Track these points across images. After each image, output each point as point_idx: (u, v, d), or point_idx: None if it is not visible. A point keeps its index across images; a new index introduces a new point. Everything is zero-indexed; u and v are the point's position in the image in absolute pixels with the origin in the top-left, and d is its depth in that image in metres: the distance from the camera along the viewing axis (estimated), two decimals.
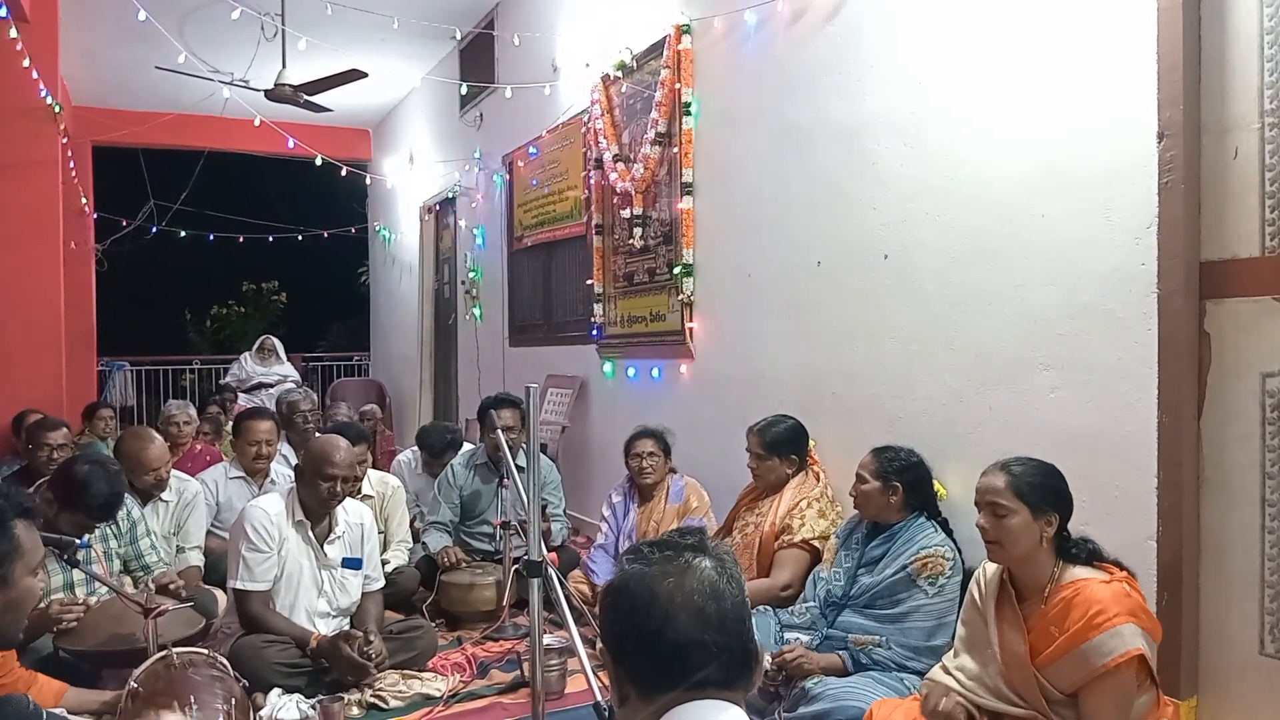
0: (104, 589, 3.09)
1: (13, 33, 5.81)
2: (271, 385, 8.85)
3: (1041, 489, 2.34)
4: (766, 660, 2.99)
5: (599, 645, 1.36)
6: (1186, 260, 2.59)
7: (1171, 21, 2.59)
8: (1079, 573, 2.29)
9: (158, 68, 6.91)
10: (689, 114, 4.86)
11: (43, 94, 6.40)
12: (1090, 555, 2.33)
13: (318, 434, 4.92)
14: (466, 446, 5.58)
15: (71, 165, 8.20)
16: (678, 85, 4.88)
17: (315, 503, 3.47)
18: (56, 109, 6.66)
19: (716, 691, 1.25)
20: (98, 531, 3.37)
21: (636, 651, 1.29)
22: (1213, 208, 2.60)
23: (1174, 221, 2.60)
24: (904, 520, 3.08)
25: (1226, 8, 2.56)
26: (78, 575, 3.18)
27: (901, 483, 3.07)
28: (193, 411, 6.01)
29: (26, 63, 6.09)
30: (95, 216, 9.99)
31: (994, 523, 2.35)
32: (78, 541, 3.04)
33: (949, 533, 3.03)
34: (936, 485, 3.21)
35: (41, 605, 3.01)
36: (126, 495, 3.60)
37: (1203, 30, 2.59)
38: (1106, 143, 2.78)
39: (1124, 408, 2.74)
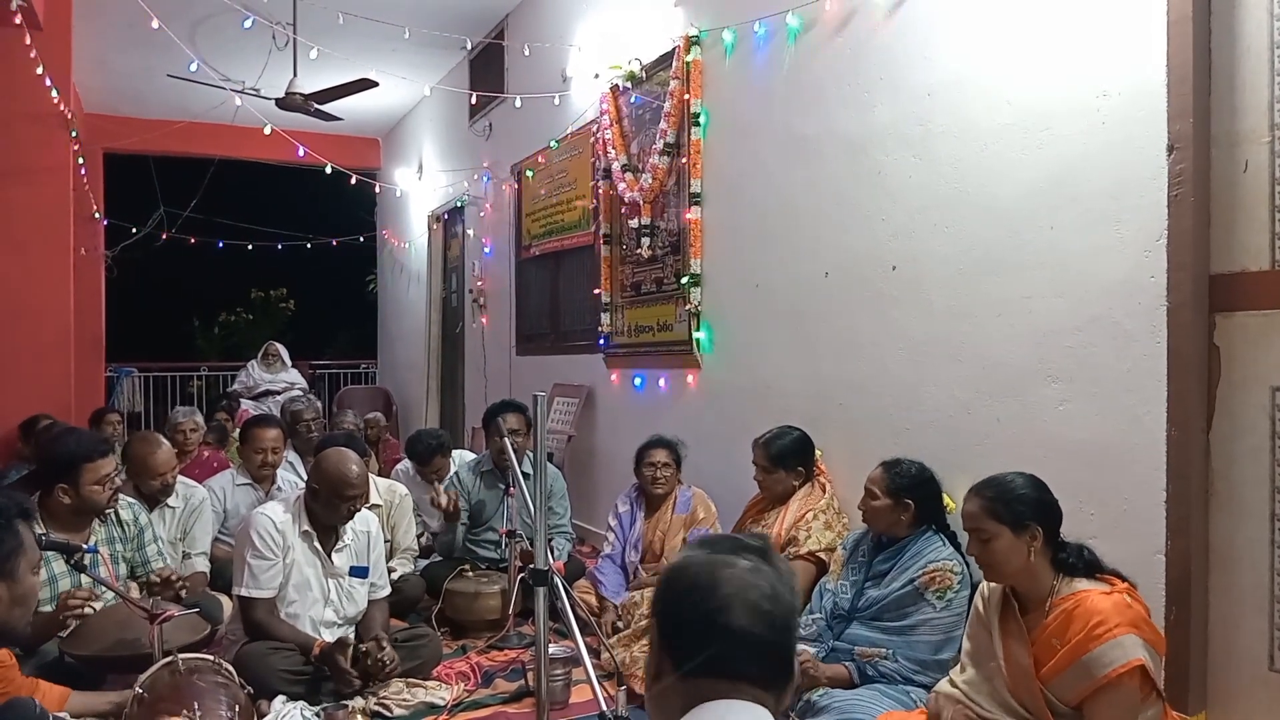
0: (110, 594, 3.09)
1: (26, 40, 5.85)
2: (279, 392, 8.87)
3: (1016, 504, 2.34)
4: None
5: (651, 624, 1.38)
6: (1196, 273, 2.59)
7: (1181, 34, 2.59)
8: (1079, 584, 2.29)
9: (169, 75, 6.95)
10: (697, 125, 4.87)
11: (55, 101, 6.44)
12: (1089, 566, 2.33)
13: (320, 443, 4.92)
14: (468, 454, 5.58)
15: (83, 172, 8.24)
16: (686, 96, 4.89)
17: (332, 520, 3.49)
18: (69, 116, 6.70)
19: (752, 689, 1.26)
20: (104, 533, 3.38)
21: (687, 631, 1.30)
22: (1222, 221, 2.59)
23: (1183, 234, 2.60)
24: (912, 534, 3.07)
25: (1237, 21, 2.56)
26: (85, 580, 3.18)
27: (913, 499, 3.06)
28: (199, 418, 6.03)
29: (40, 70, 6.13)
30: (105, 223, 10.04)
31: (980, 548, 2.38)
32: (85, 547, 3.05)
33: (957, 546, 3.01)
34: (945, 498, 3.19)
35: (48, 608, 3.02)
36: (134, 501, 3.62)
37: (1213, 43, 2.59)
38: (1115, 155, 2.77)
39: (1132, 421, 2.73)
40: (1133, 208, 2.72)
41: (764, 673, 1.27)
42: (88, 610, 2.90)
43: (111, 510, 3.42)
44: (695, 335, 4.90)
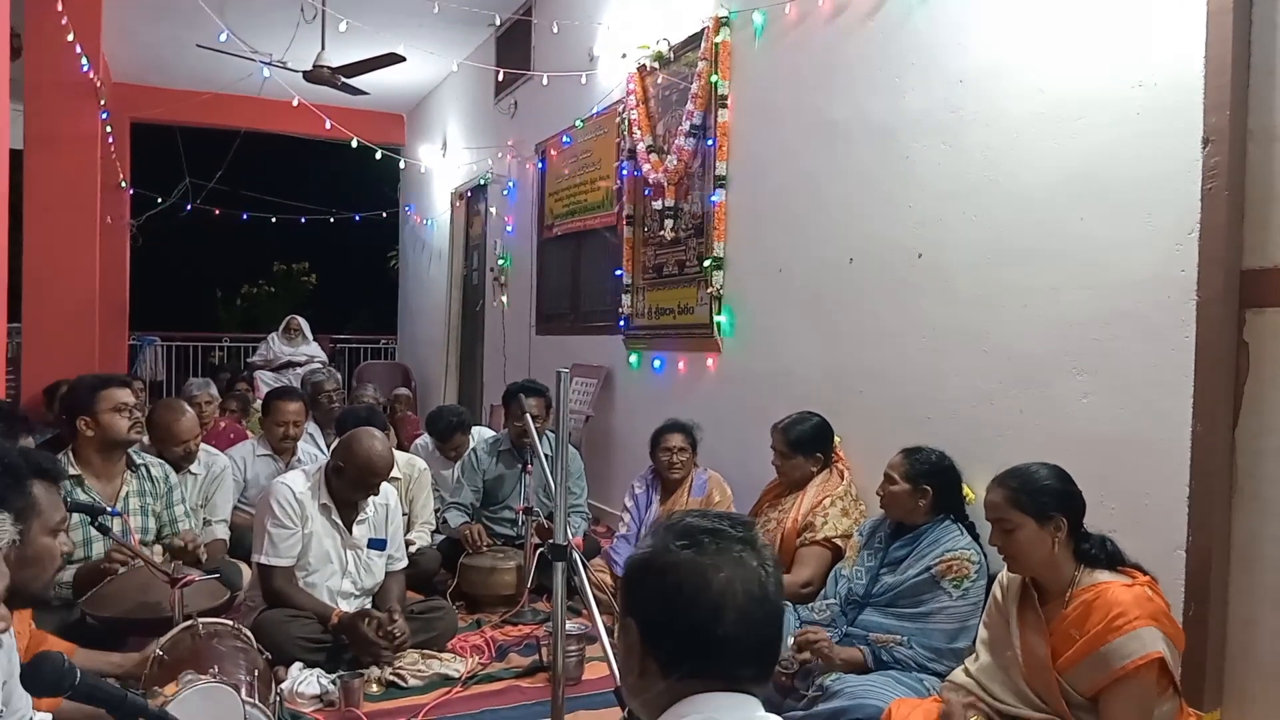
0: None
1: (58, 7, 5.88)
2: (300, 365, 8.93)
3: (1041, 495, 2.33)
4: (788, 642, 2.94)
5: (619, 615, 1.35)
6: (1227, 268, 2.56)
7: (1221, 25, 2.55)
8: (1100, 576, 2.27)
9: (198, 46, 6.97)
10: (725, 107, 4.85)
11: (85, 70, 6.47)
12: (1110, 557, 2.31)
13: (340, 416, 4.97)
14: (486, 431, 5.59)
15: (110, 141, 8.29)
16: (714, 78, 4.86)
17: (353, 498, 3.53)
18: (98, 85, 6.74)
19: (743, 684, 1.25)
20: (135, 485, 3.43)
21: (676, 636, 1.25)
22: (1256, 215, 2.56)
23: (1216, 228, 2.56)
24: (930, 522, 3.06)
25: (1279, 13, 2.51)
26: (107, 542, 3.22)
27: (932, 486, 3.04)
28: (214, 390, 6.07)
29: (70, 38, 6.16)
30: (131, 192, 10.11)
31: (1004, 539, 2.37)
32: (109, 509, 3.09)
33: (975, 536, 3.00)
34: (965, 488, 3.18)
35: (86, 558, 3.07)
36: (163, 462, 3.67)
37: (1253, 35, 2.55)
38: (1149, 146, 2.74)
39: (1157, 416, 2.71)
40: (1164, 200, 2.69)
41: (754, 672, 1.26)
42: (121, 570, 2.95)
43: (143, 465, 3.50)
44: (716, 319, 4.89)
